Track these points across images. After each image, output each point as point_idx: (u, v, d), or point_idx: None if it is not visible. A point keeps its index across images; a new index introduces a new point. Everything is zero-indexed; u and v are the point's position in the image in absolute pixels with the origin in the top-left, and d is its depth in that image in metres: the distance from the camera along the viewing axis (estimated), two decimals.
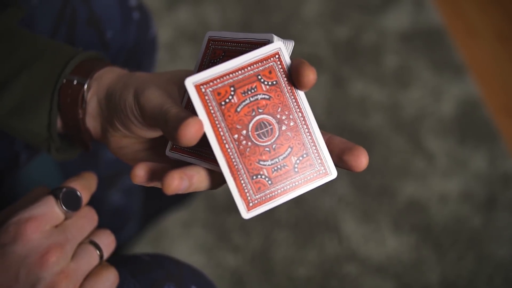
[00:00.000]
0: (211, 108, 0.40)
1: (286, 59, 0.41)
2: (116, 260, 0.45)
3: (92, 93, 0.50)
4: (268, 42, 0.41)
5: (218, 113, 0.40)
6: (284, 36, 1.35)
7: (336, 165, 0.42)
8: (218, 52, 0.44)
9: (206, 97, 0.40)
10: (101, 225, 0.94)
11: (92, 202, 0.88)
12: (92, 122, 0.51)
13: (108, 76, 0.50)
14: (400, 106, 1.27)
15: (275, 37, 0.41)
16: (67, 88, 0.50)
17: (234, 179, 0.40)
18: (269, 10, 1.38)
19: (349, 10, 1.39)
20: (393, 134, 1.24)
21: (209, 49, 0.45)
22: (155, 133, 0.47)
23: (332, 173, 0.42)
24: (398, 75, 1.31)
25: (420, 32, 1.37)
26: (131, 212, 0.98)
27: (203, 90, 0.39)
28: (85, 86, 0.49)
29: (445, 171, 1.20)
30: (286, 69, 0.41)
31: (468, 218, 1.15)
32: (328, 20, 1.38)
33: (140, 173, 0.41)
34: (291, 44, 0.43)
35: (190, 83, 0.39)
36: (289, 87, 0.41)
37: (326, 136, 0.43)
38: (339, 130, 1.23)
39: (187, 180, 0.40)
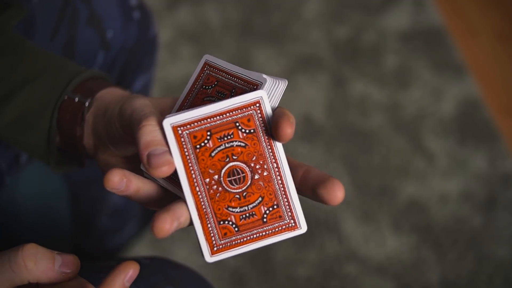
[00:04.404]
0: (185, 150, 0.40)
1: (267, 108, 0.41)
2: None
3: (91, 112, 0.50)
4: (260, 84, 0.41)
5: (192, 156, 0.40)
6: (284, 36, 1.35)
7: (310, 198, 0.42)
8: (211, 79, 0.44)
9: (182, 139, 0.40)
10: (101, 226, 0.94)
11: (92, 202, 0.88)
12: (87, 139, 0.51)
13: (109, 96, 0.50)
14: (400, 106, 1.27)
15: (268, 79, 0.41)
16: (67, 105, 0.50)
17: (201, 221, 0.40)
18: (269, 10, 1.38)
19: (349, 10, 1.39)
20: (393, 134, 1.23)
21: (204, 73, 0.45)
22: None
23: (302, 227, 0.42)
24: (398, 75, 1.31)
25: (420, 32, 1.37)
26: (131, 212, 0.98)
27: (179, 132, 0.40)
28: (86, 104, 0.50)
29: (445, 171, 1.20)
30: (265, 118, 0.41)
31: (468, 218, 1.15)
32: (328, 20, 1.38)
33: (114, 178, 0.40)
34: (283, 84, 0.43)
35: (167, 124, 0.40)
36: (266, 137, 0.41)
37: (303, 168, 0.42)
38: (339, 130, 1.23)
39: (177, 221, 0.40)
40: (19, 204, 0.71)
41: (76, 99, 0.50)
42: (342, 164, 1.19)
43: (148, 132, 0.40)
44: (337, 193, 0.39)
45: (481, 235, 1.13)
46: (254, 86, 0.42)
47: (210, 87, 0.44)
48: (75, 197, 0.84)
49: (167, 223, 0.38)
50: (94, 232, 0.94)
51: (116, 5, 0.67)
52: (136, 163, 0.49)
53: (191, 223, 0.41)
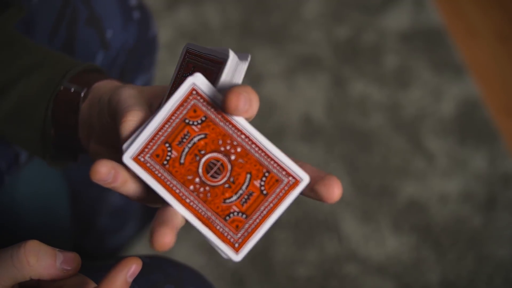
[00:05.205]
0: (157, 172, 0.39)
1: (206, 90, 0.39)
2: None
3: (87, 102, 0.50)
4: (225, 60, 0.40)
5: (165, 174, 0.39)
6: (284, 36, 1.35)
7: (306, 196, 0.40)
8: (189, 66, 0.44)
9: (148, 164, 0.39)
10: (101, 225, 0.94)
11: (92, 202, 0.89)
12: (81, 130, 0.51)
13: (105, 87, 0.50)
14: (400, 106, 1.27)
15: (231, 55, 0.40)
16: (63, 96, 0.50)
17: (209, 228, 0.39)
18: (269, 10, 1.38)
19: (349, 10, 1.39)
20: (393, 134, 1.23)
21: (185, 62, 0.44)
22: None
23: (304, 178, 0.39)
24: (398, 75, 1.31)
25: (420, 32, 1.37)
26: (131, 212, 0.98)
27: (142, 159, 0.39)
28: (82, 95, 0.49)
29: (445, 171, 1.20)
30: (209, 100, 0.39)
31: (468, 218, 1.15)
32: (328, 20, 1.38)
33: (101, 170, 0.39)
34: (246, 60, 0.42)
35: (127, 158, 0.39)
36: (220, 116, 0.39)
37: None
38: (339, 130, 1.23)
39: (176, 230, 0.38)
40: (19, 204, 0.71)
41: (72, 89, 0.50)
42: (342, 164, 1.19)
43: (128, 129, 0.40)
44: (335, 190, 0.38)
45: (481, 235, 1.13)
46: (219, 64, 0.41)
47: (188, 74, 0.43)
48: (75, 196, 0.84)
49: (168, 236, 0.37)
50: (94, 232, 0.94)
51: (116, 5, 0.67)
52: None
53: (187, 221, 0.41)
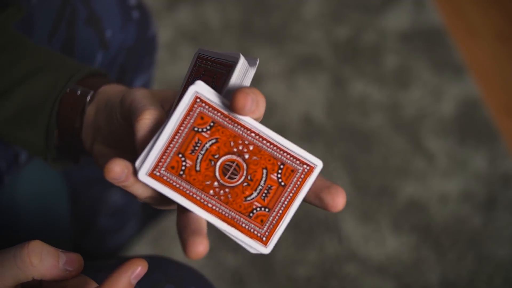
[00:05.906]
0: (175, 184, 0.40)
1: (210, 96, 0.39)
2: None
3: (93, 105, 0.50)
4: (235, 63, 0.41)
5: (183, 184, 0.40)
6: (284, 36, 1.35)
7: (311, 203, 0.41)
8: (200, 70, 0.44)
9: (165, 178, 0.39)
10: (101, 225, 0.94)
11: (92, 202, 0.88)
12: (85, 132, 0.51)
13: (112, 90, 0.50)
14: (400, 106, 1.27)
15: (241, 58, 0.41)
16: (69, 98, 0.50)
17: (236, 227, 0.40)
18: (269, 10, 1.38)
19: (349, 10, 1.39)
20: (393, 134, 1.23)
21: (196, 66, 0.45)
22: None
23: (317, 164, 0.41)
24: (398, 75, 1.31)
25: (420, 32, 1.37)
26: (131, 212, 0.98)
27: (158, 174, 0.39)
28: (88, 98, 0.50)
29: (445, 171, 1.20)
30: (214, 105, 0.40)
31: (468, 218, 1.15)
32: (328, 20, 1.38)
33: (115, 169, 0.38)
34: (255, 64, 0.42)
35: (143, 175, 0.39)
36: (227, 119, 0.40)
37: None
38: (339, 130, 1.23)
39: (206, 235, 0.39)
40: (19, 204, 0.71)
41: (78, 92, 0.50)
42: (342, 164, 1.19)
43: (144, 127, 0.40)
44: (340, 200, 0.40)
45: (481, 235, 1.13)
46: (229, 67, 0.41)
47: (198, 78, 0.44)
48: (75, 197, 0.84)
49: (202, 245, 0.37)
50: (94, 232, 0.94)
51: (115, 5, 0.67)
52: (133, 155, 0.49)
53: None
